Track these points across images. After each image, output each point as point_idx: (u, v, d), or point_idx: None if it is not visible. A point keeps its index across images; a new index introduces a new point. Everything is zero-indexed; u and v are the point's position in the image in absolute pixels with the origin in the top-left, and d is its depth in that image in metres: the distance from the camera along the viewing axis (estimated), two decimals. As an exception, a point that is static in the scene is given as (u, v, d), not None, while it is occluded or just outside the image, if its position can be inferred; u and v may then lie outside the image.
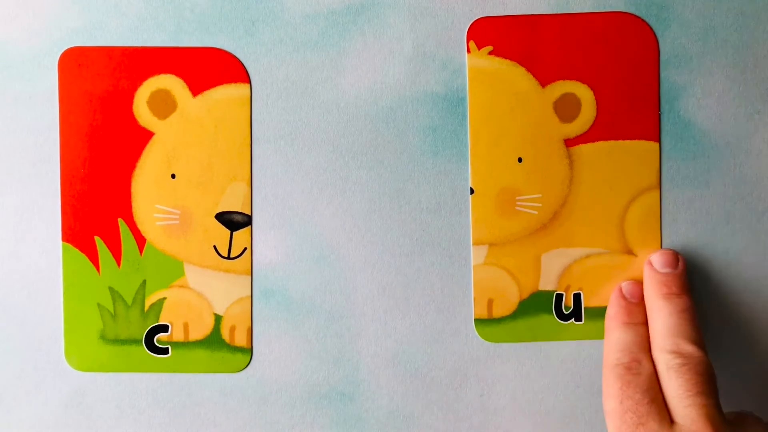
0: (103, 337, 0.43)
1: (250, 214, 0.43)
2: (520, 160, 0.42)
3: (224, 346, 0.43)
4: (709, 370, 0.38)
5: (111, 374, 0.44)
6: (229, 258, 0.43)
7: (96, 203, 0.43)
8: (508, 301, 0.43)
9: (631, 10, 0.42)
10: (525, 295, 0.43)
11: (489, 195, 0.43)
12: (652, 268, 0.42)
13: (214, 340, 0.43)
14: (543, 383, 0.44)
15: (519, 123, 0.42)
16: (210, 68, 0.42)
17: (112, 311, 0.43)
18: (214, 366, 0.44)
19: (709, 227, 0.43)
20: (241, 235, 0.43)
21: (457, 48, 0.42)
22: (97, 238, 0.43)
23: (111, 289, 0.43)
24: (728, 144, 0.43)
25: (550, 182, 0.43)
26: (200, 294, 0.43)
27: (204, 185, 0.42)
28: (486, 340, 0.44)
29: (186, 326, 0.43)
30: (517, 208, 0.43)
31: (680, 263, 0.42)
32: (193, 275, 0.43)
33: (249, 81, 0.42)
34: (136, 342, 0.43)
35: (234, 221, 0.43)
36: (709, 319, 0.44)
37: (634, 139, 0.43)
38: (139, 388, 0.44)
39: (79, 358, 0.43)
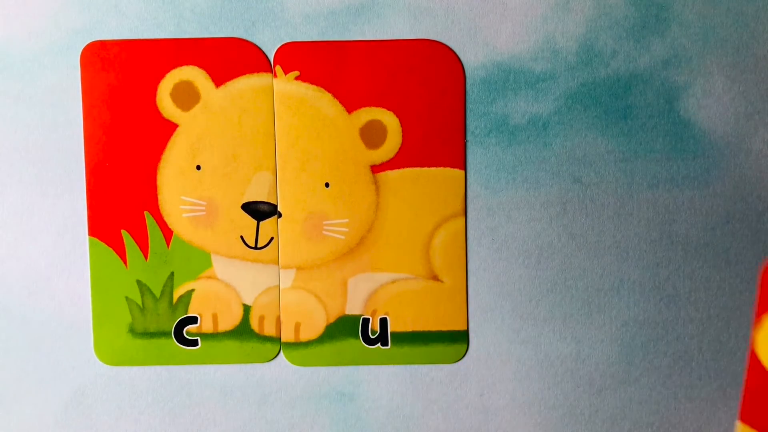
0: (133, 331, 0.43)
1: (276, 203, 0.43)
2: (327, 185, 0.43)
3: (254, 336, 0.43)
4: None
5: (115, 370, 0.43)
6: (256, 248, 0.43)
7: (122, 197, 0.42)
8: (315, 325, 0.44)
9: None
10: (332, 319, 0.44)
11: (296, 219, 0.43)
12: None
13: (243, 331, 0.43)
14: (543, 383, 0.44)
15: (326, 148, 0.42)
16: (232, 58, 0.42)
17: (141, 304, 0.43)
18: (243, 356, 0.44)
19: (696, 229, 0.43)
20: (267, 224, 0.43)
21: (459, 47, 0.42)
22: (123, 232, 0.42)
23: (139, 282, 0.43)
24: (728, 144, 0.43)
25: (356, 207, 0.43)
26: (228, 284, 0.43)
27: (229, 176, 0.42)
28: (293, 363, 0.44)
29: (215, 317, 0.43)
30: (325, 232, 0.43)
31: None
32: (220, 266, 0.43)
33: (272, 70, 0.42)
34: (166, 335, 0.43)
35: (260, 211, 0.43)
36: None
37: (440, 166, 0.43)
38: (138, 387, 0.44)
39: (109, 352, 0.43)
